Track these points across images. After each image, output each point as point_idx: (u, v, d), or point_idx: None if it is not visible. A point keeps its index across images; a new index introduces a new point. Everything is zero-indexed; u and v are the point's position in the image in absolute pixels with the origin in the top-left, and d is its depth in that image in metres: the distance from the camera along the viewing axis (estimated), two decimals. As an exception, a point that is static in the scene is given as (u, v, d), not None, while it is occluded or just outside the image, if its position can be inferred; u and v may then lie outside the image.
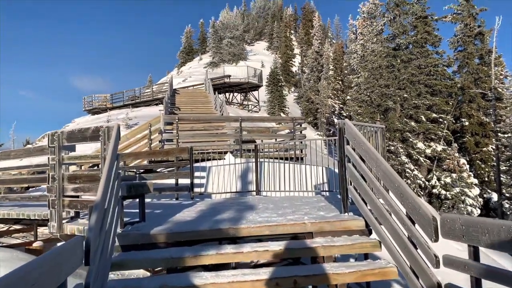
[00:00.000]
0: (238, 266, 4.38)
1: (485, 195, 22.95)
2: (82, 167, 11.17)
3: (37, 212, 5.98)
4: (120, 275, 6.34)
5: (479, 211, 18.49)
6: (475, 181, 19.70)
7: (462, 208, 18.24)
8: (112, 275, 6.14)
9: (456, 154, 22.40)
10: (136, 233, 4.03)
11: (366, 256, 4.37)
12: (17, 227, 8.03)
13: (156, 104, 30.62)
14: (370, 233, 4.38)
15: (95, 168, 10.01)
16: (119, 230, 4.09)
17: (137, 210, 4.71)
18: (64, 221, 4.81)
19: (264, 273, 3.51)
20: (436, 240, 3.11)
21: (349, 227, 4.27)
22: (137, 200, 4.70)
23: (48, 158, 4.74)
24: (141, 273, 6.18)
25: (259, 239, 4.51)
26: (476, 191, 18.53)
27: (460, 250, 10.07)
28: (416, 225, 3.48)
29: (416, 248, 3.36)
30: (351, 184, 4.62)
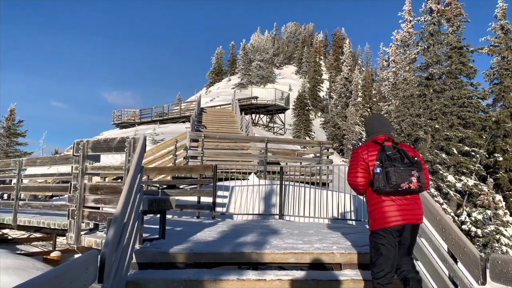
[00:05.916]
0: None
1: (517, 235, 21.66)
2: (106, 179, 11.22)
3: (57, 221, 5.90)
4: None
5: (514, 252, 17.40)
6: (512, 219, 18.69)
7: (497, 248, 17.23)
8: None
9: (492, 190, 21.36)
10: (154, 251, 3.84)
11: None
12: (37, 235, 8.00)
13: (183, 122, 30.95)
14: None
15: (119, 180, 9.98)
16: (137, 246, 3.91)
17: (157, 226, 4.53)
18: (82, 233, 4.68)
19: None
20: (484, 283, 2.83)
21: (381, 261, 3.94)
22: (158, 215, 4.53)
23: (72, 167, 4.65)
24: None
25: (281, 266, 4.23)
26: (512, 230, 17.55)
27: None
28: (459, 264, 3.17)
29: (458, 290, 3.05)
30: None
